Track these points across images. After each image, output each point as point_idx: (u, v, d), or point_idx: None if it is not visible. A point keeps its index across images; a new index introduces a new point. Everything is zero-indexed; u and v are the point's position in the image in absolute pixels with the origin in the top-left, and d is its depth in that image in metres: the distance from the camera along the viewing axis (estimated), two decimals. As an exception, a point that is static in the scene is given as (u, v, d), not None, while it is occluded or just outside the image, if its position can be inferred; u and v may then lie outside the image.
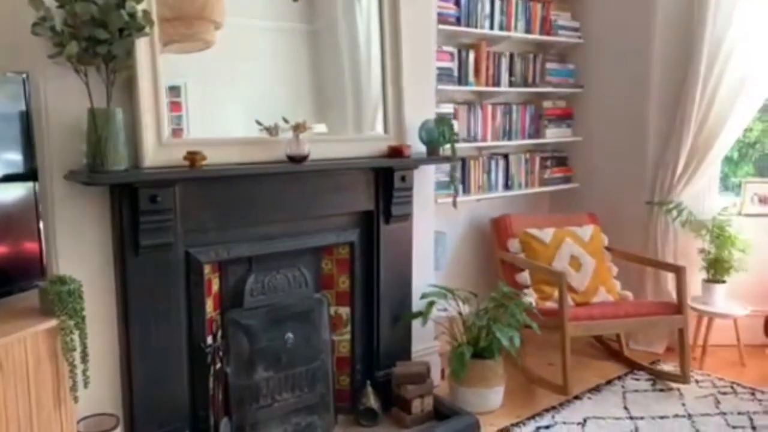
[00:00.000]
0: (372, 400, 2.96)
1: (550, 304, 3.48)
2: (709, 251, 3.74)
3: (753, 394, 3.28)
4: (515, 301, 3.11)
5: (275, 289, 2.79)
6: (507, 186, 3.93)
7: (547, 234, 3.70)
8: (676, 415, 3.05)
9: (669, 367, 3.63)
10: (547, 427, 2.96)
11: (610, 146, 4.07)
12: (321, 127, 2.77)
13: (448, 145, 3.03)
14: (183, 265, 2.43)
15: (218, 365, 2.58)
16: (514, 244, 3.71)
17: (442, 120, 3.03)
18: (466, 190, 3.73)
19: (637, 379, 3.47)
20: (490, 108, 3.77)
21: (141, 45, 2.19)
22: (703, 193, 3.87)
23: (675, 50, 3.76)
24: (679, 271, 3.36)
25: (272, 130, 2.62)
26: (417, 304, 3.17)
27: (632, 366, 3.64)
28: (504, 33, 3.71)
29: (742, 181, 3.96)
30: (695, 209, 3.78)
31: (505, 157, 3.90)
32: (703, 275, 3.76)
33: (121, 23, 2.06)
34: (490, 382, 3.10)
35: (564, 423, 2.99)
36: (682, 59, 3.72)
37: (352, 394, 3.04)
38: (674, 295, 3.80)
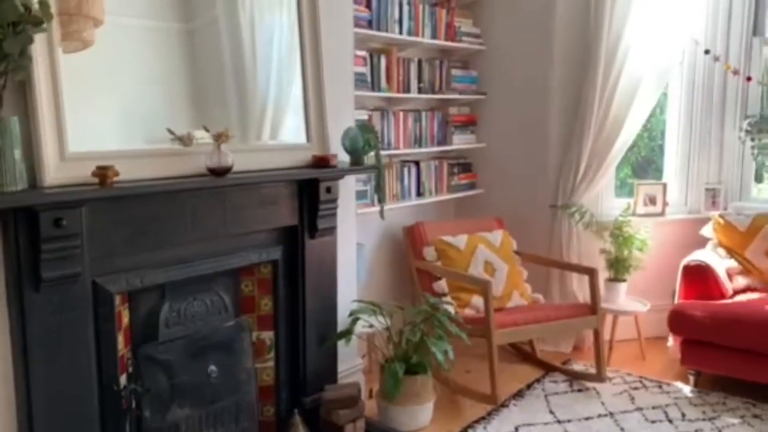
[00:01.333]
0: (301, 430, 2.75)
1: (468, 311, 3.46)
2: (610, 251, 3.90)
3: (660, 387, 3.45)
4: (443, 312, 3.03)
5: (193, 318, 2.50)
6: (419, 194, 3.86)
7: (461, 240, 3.68)
8: (600, 415, 3.13)
9: (580, 366, 3.74)
10: (482, 440, 2.91)
11: (513, 152, 4.13)
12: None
13: (371, 154, 2.90)
14: (91, 298, 2.09)
15: (134, 408, 2.25)
16: (429, 252, 3.64)
17: (367, 127, 2.89)
18: (381, 200, 3.60)
19: (555, 381, 3.53)
20: (401, 114, 3.68)
21: (38, 42, 1.84)
22: (601, 195, 4.04)
23: (574, 56, 3.89)
24: (591, 273, 3.46)
25: (185, 140, 2.34)
26: (342, 322, 3.00)
27: (546, 368, 3.71)
28: (413, 38, 3.64)
29: (635, 183, 4.18)
30: (595, 211, 3.94)
31: (417, 164, 3.83)
32: (606, 275, 3.92)
33: (15, 16, 1.72)
34: (421, 398, 3.00)
35: (497, 433, 2.96)
36: (580, 65, 3.86)
37: (278, 425, 2.81)
38: (579, 296, 3.96)
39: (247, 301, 2.75)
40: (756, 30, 4.02)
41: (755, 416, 3.08)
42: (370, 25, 3.36)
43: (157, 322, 2.37)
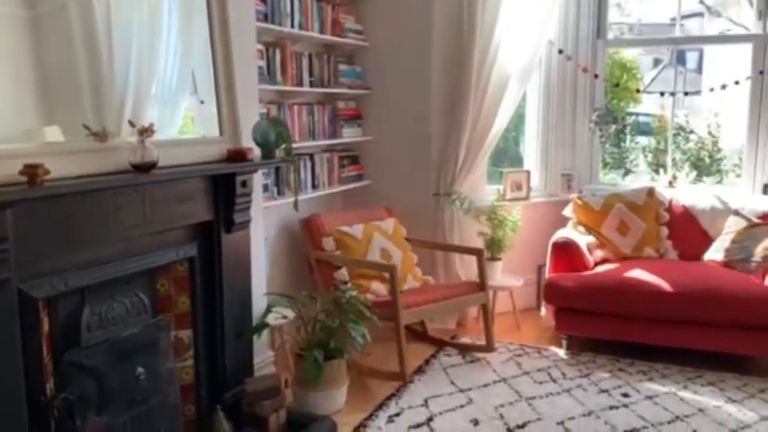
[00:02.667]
0: (225, 426, 2.74)
1: (369, 296, 3.62)
2: (487, 233, 4.26)
3: (539, 352, 3.86)
4: (356, 298, 3.16)
5: (114, 321, 2.41)
6: (314, 186, 3.94)
7: (357, 230, 3.82)
8: (495, 381, 3.45)
9: (467, 340, 4.06)
10: (397, 415, 3.09)
11: (397, 144, 4.35)
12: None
13: (282, 147, 2.94)
14: (17, 306, 1.95)
15: (64, 418, 2.13)
16: (328, 243, 3.75)
17: (278, 121, 2.93)
18: (281, 193, 3.64)
19: (449, 355, 3.81)
20: (296, 108, 3.73)
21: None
22: (477, 183, 4.39)
23: (451, 55, 4.17)
24: (479, 254, 3.78)
25: (101, 136, 2.25)
26: (255, 315, 3.02)
27: (439, 344, 3.98)
28: (304, 32, 3.70)
29: (504, 171, 4.59)
30: (473, 197, 4.27)
31: (311, 157, 3.90)
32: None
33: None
34: (338, 382, 3.11)
35: (410, 407, 3.15)
36: (457, 63, 4.15)
37: (200, 423, 2.77)
38: (462, 276, 4.28)
39: (164, 300, 2.67)
40: (599, 33, 4.59)
41: (620, 369, 3.58)
42: (266, 18, 3.37)
43: (79, 327, 2.25)
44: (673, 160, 8.73)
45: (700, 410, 3.09)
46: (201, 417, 2.78)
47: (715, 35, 5.80)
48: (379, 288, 3.69)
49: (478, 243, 4.26)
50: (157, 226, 2.46)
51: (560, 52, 4.54)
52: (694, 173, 5.41)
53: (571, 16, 4.53)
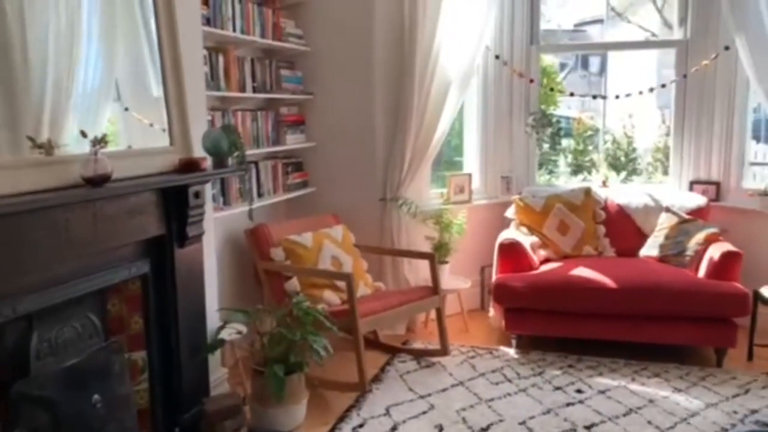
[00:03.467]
0: (184, 449, 2.61)
1: (322, 307, 3.54)
2: (434, 237, 4.28)
3: (491, 353, 3.91)
4: (313, 308, 3.09)
5: (65, 346, 2.24)
6: (260, 195, 3.82)
7: (307, 238, 3.74)
8: (453, 385, 3.45)
9: (419, 344, 4.06)
10: (360, 426, 3.03)
11: (342, 150, 4.29)
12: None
13: (235, 155, 2.83)
14: (-37, 337, 1.77)
15: (15, 459, 1.95)
16: (277, 253, 3.65)
17: (230, 129, 2.82)
18: (227, 203, 3.51)
19: (404, 361, 3.79)
20: (240, 114, 3.61)
21: None
22: (422, 187, 4.40)
23: (394, 61, 4.15)
24: (431, 258, 3.78)
25: (47, 148, 2.09)
26: (210, 332, 2.90)
27: (392, 351, 3.95)
28: (246, 37, 3.58)
29: (447, 175, 4.63)
30: (419, 202, 4.28)
31: (256, 165, 3.79)
32: (431, 259, 4.29)
33: None
34: (298, 397, 3.02)
35: (372, 417, 3.11)
36: (400, 70, 4.14)
37: (156, 449, 2.63)
38: (411, 281, 4.27)
39: (116, 321, 2.52)
40: (532, 39, 4.72)
41: (570, 366, 3.67)
42: (208, 22, 3.25)
43: (28, 356, 2.08)
44: (591, 160, 9.10)
45: (651, 401, 3.21)
46: (158, 442, 2.63)
47: (641, 41, 6.07)
48: (331, 297, 3.62)
49: (426, 247, 4.27)
50: (108, 243, 2.31)
51: (497, 57, 4.63)
52: (623, 173, 5.65)
53: (506, 23, 4.63)
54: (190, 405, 2.74)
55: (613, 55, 6.41)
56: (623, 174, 5.49)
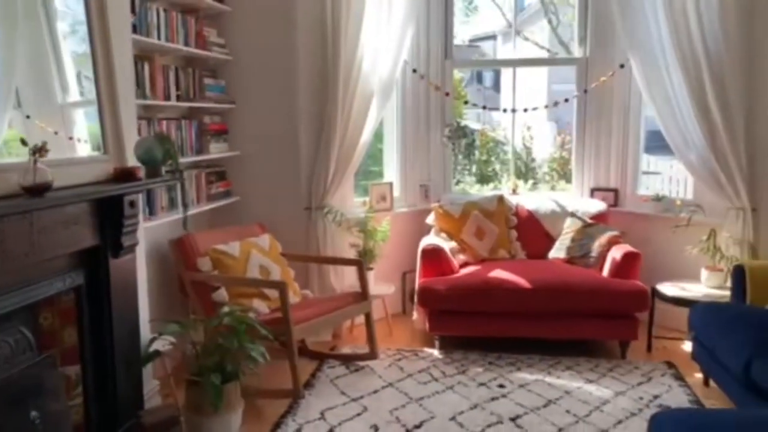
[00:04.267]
0: (121, 464, 2.56)
1: (252, 316, 3.55)
2: (359, 244, 4.39)
3: (416, 354, 4.05)
4: (248, 317, 3.10)
5: (-2, 362, 2.15)
6: (185, 204, 3.77)
7: (234, 248, 3.73)
8: (383, 387, 3.56)
9: (347, 349, 4.14)
10: (298, 430, 3.07)
11: (266, 159, 4.31)
12: None
13: (168, 164, 2.81)
14: None
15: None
16: (204, 263, 3.62)
17: (164, 137, 2.80)
18: (153, 213, 3.45)
19: (333, 367, 3.86)
20: (164, 123, 3.57)
21: None
22: (346, 196, 4.50)
23: (317, 71, 4.22)
24: (359, 264, 3.88)
25: (-20, 156, 2.02)
26: (143, 344, 2.85)
27: (320, 357, 4.01)
28: (171, 45, 3.55)
29: (369, 184, 4.76)
30: (343, 210, 4.37)
31: (181, 174, 3.73)
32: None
33: None
34: (234, 405, 3.02)
35: (308, 422, 3.16)
36: (324, 80, 4.23)
37: (91, 465, 2.55)
38: (336, 288, 4.35)
39: (49, 335, 2.43)
40: (446, 54, 4.95)
41: (491, 363, 3.89)
42: (134, 29, 3.19)
43: (-40, 375, 1.99)
44: (493, 170, 9.54)
45: (566, 392, 3.47)
46: (93, 459, 2.56)
47: (546, 58, 6.51)
48: (260, 306, 3.63)
49: (350, 254, 4.37)
50: (44, 255, 2.24)
51: (414, 71, 4.81)
52: (531, 182, 6.01)
53: (422, 38, 4.83)
54: (126, 419, 2.68)
55: (506, 71, 6.74)
56: (530, 182, 5.83)
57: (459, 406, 3.32)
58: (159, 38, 3.45)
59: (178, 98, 3.70)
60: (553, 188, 5.91)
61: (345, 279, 4.40)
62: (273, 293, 3.71)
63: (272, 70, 4.23)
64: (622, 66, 4.62)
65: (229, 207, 4.28)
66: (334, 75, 4.18)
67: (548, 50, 10.59)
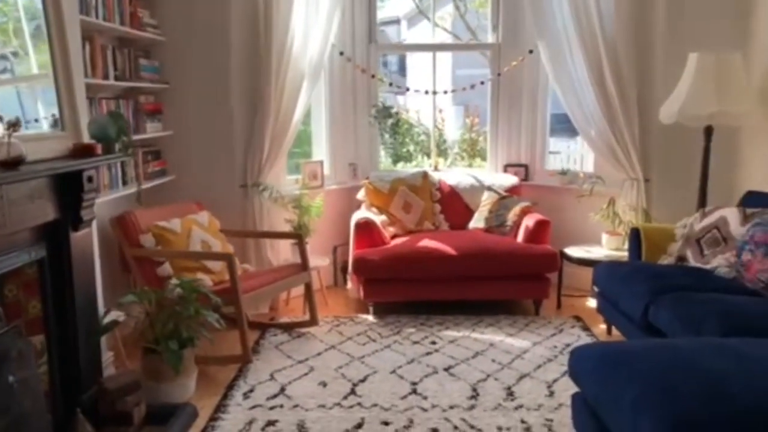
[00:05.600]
0: (87, 428, 2.68)
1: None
2: (294, 220, 4.60)
3: (353, 320, 4.34)
4: (201, 286, 3.26)
5: (-28, 331, 2.23)
6: (125, 183, 3.84)
7: (175, 224, 3.85)
8: (326, 349, 3.83)
9: (286, 319, 4.36)
10: (251, 391, 3.28)
11: (201, 138, 4.41)
12: None
13: (122, 140, 2.92)
14: None
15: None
16: (147, 239, 3.72)
17: (117, 115, 2.91)
18: (96, 191, 3.50)
19: (275, 335, 4.08)
20: (104, 103, 3.62)
21: None
22: (279, 173, 4.68)
23: (250, 49, 4.36)
24: (299, 238, 4.10)
25: (-50, 131, 2.10)
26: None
27: (261, 327, 4.20)
28: (109, 24, 3.60)
29: (302, 162, 4.96)
30: (278, 187, 4.56)
31: (134, 150, 3.79)
32: (292, 240, 4.60)
33: None
34: (189, 370, 3.19)
35: (259, 383, 3.37)
36: (257, 61, 4.37)
37: (56, 429, 2.66)
38: (273, 261, 4.55)
39: (13, 306, 2.52)
40: (371, 38, 5.20)
41: (422, 324, 4.23)
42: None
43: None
44: (407, 150, 9.93)
45: (491, 345, 3.86)
46: (58, 423, 2.66)
47: (463, 43, 6.87)
48: (204, 279, 3.78)
49: (286, 229, 4.57)
50: (14, 227, 2.33)
51: (341, 54, 5.04)
52: (442, 160, 6.40)
53: (347, 22, 5.06)
54: (88, 385, 2.80)
55: (411, 56, 6.99)
56: (443, 161, 6.23)
57: (397, 361, 3.63)
58: (97, 17, 3.49)
59: (116, 78, 3.75)
60: (470, 165, 6.31)
61: (281, 253, 4.61)
62: (216, 267, 3.88)
63: (205, 51, 4.33)
64: (531, 52, 5.05)
65: (165, 186, 4.35)
66: (267, 56, 4.34)
67: (455, 36, 11.06)
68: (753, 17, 4.21)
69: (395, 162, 8.41)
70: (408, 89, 5.55)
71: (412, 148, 9.43)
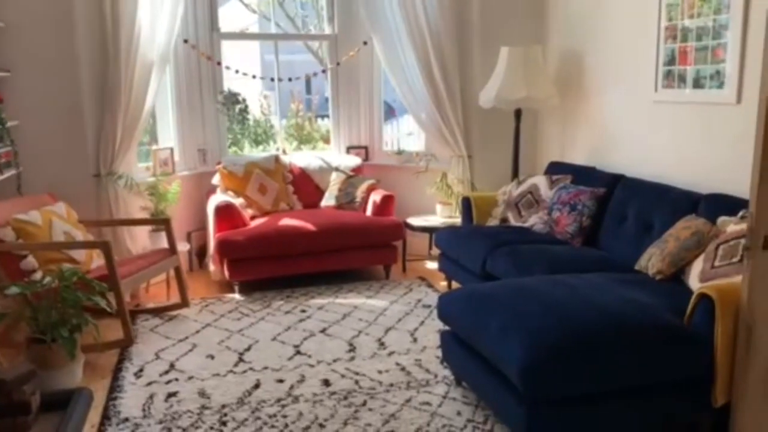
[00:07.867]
0: (-15, 421, 2.67)
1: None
2: (151, 207, 4.65)
3: (221, 300, 4.54)
4: (78, 272, 3.30)
5: None
6: (17, 165, 3.66)
7: (35, 216, 3.76)
8: (203, 327, 4.01)
9: (151, 305, 4.43)
10: (141, 370, 3.41)
11: (49, 128, 4.27)
12: None
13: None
14: None
15: None
16: (7, 233, 3.61)
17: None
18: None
19: (147, 320, 4.16)
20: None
21: None
22: (131, 161, 4.68)
23: (98, 39, 4.33)
24: (167, 223, 4.20)
25: None
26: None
27: (131, 315, 4.20)
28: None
29: (152, 149, 4.98)
30: (131, 175, 4.57)
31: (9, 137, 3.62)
32: (148, 227, 4.66)
33: None
34: (76, 357, 3.23)
35: (147, 363, 3.50)
36: (104, 48, 4.34)
37: (-46, 428, 2.62)
38: (132, 250, 4.58)
39: None
40: (213, 26, 5.33)
41: (288, 297, 4.57)
42: None
43: None
44: (235, 136, 10.08)
45: (355, 307, 4.33)
46: (-46, 422, 2.62)
47: (303, 34, 7.14)
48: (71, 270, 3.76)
49: (142, 216, 4.61)
50: None
51: (185, 41, 5.12)
52: (295, 143, 6.74)
53: (190, 10, 5.14)
54: (-21, 381, 2.75)
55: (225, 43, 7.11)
56: (295, 143, 6.57)
57: (275, 330, 3.95)
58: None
59: (-42, 66, 3.56)
60: (314, 148, 6.69)
61: (139, 242, 4.64)
62: (81, 257, 3.86)
63: (48, 39, 4.21)
64: (365, 43, 5.54)
65: (13, 178, 4.16)
66: (116, 44, 4.35)
67: (277, 24, 11.32)
68: (548, 17, 5.11)
69: (251, 147, 8.49)
70: (254, 76, 5.71)
71: (239, 134, 9.59)
